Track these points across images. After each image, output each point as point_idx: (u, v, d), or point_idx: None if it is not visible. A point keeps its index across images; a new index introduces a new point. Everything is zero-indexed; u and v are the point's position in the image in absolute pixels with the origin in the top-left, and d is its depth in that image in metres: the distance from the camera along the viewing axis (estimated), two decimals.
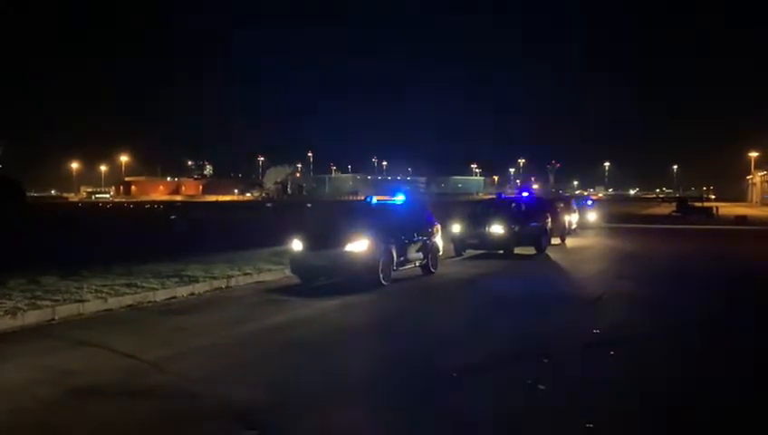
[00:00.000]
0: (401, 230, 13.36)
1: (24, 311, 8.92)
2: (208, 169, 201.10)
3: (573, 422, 4.98)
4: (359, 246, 12.00)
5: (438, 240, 14.76)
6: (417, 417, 5.18)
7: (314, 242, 12.55)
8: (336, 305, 10.41)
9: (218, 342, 7.86)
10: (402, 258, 13.05)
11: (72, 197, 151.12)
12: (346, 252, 12.02)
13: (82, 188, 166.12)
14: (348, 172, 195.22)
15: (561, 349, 7.33)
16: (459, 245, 18.03)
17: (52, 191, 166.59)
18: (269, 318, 9.32)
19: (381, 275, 12.16)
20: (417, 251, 13.75)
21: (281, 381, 6.19)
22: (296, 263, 12.52)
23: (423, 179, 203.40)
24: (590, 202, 36.63)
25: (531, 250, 18.47)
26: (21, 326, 8.56)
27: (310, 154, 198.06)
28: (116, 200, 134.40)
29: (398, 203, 14.91)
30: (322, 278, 12.45)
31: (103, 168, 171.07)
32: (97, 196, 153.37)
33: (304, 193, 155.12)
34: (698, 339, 7.98)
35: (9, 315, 8.63)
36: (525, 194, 21.23)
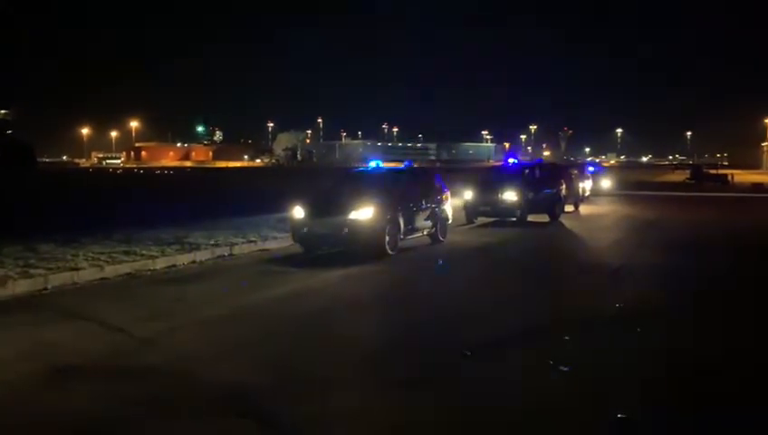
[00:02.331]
0: (409, 197, 12.75)
1: (14, 280, 8.52)
2: (218, 136, 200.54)
3: (602, 410, 4.49)
4: (363, 213, 11.41)
5: (448, 208, 14.13)
6: (427, 399, 4.71)
7: (317, 209, 11.98)
8: (339, 276, 9.86)
9: (216, 314, 7.41)
10: (410, 227, 12.47)
11: (83, 162, 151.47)
12: (350, 220, 11.42)
13: (93, 154, 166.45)
14: (358, 139, 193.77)
15: (582, 324, 6.82)
16: (471, 212, 17.52)
17: (64, 157, 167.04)
18: (270, 289, 8.84)
19: (388, 245, 11.60)
20: (426, 219, 13.16)
21: (279, 358, 5.73)
22: (298, 231, 11.95)
23: (433, 146, 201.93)
24: (603, 169, 35.87)
25: (544, 217, 17.93)
26: (11, 296, 8.16)
27: (320, 120, 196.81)
28: (126, 166, 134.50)
29: (407, 170, 14.17)
30: (325, 247, 11.94)
31: (114, 133, 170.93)
32: (107, 161, 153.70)
33: (314, 160, 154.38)
34: (728, 312, 7.45)
35: None
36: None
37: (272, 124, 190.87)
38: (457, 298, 8.44)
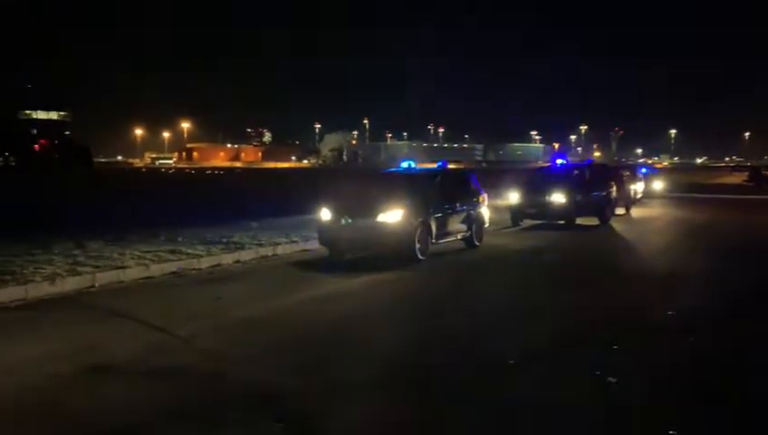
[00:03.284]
0: (442, 199, 12.16)
1: (63, 277, 8.70)
2: (267, 137, 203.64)
3: (653, 426, 4.25)
4: (392, 216, 10.89)
5: (485, 210, 13.53)
6: (468, 410, 4.53)
7: (344, 211, 11.42)
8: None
9: (255, 315, 7.39)
10: (442, 230, 11.90)
11: (137, 162, 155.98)
12: (378, 223, 10.93)
13: (146, 154, 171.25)
14: (403, 140, 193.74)
15: (631, 333, 6.52)
16: (517, 214, 17.14)
17: (119, 157, 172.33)
18: (308, 291, 8.75)
19: (418, 249, 11.04)
20: (461, 222, 12.60)
21: (314, 363, 5.63)
22: (325, 234, 11.51)
23: (480, 146, 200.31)
24: (656, 170, 34.84)
25: (593, 220, 17.42)
26: (60, 293, 8.34)
27: (366, 121, 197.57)
28: (178, 166, 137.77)
29: (440, 171, 13.63)
30: (353, 251, 11.56)
31: (166, 134, 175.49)
32: (160, 161, 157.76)
33: (360, 160, 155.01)
34: None
35: (48, 282, 8.41)
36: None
37: (319, 125, 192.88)
38: (493, 307, 8.00)
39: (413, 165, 14.14)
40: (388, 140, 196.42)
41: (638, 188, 25.16)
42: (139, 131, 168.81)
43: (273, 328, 6.90)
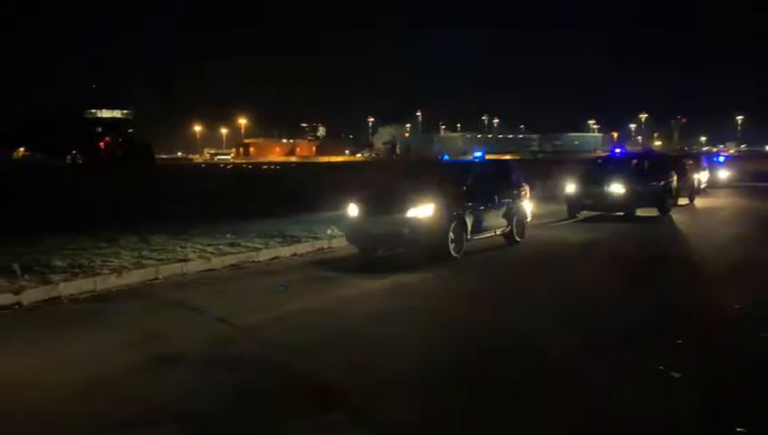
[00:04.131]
0: (479, 193, 11.43)
1: (129, 270, 9.06)
2: (321, 131, 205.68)
3: (719, 423, 4.13)
4: (423, 211, 10.27)
5: (526, 204, 12.87)
6: (529, 407, 4.49)
7: (373, 207, 10.92)
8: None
9: (312, 307, 7.52)
10: (479, 225, 11.23)
11: (197, 158, 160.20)
12: (408, 218, 10.30)
13: (206, 150, 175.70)
14: (457, 132, 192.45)
15: (696, 328, 6.34)
16: (574, 206, 16.81)
17: (179, 153, 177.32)
18: (365, 284, 8.84)
19: (452, 246, 10.45)
20: (500, 217, 11.95)
21: (370, 357, 5.69)
22: (352, 231, 11.05)
23: (536, 137, 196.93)
24: (721, 159, 33.56)
25: (653, 212, 16.93)
26: (126, 285, 8.68)
27: (419, 114, 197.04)
28: (236, 161, 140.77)
29: (476, 162, 12.84)
30: (382, 249, 11.14)
31: (224, 130, 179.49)
32: (218, 157, 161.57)
33: (412, 153, 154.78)
34: None
35: (115, 274, 8.78)
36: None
37: (372, 119, 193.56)
38: (543, 304, 7.69)
39: (447, 157, 13.46)
40: (441, 131, 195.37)
41: (701, 177, 24.35)
42: (198, 128, 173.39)
43: (329, 320, 7.00)
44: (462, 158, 13.21)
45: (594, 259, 11.22)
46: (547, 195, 20.26)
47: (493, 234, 11.89)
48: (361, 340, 6.20)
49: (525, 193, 12.97)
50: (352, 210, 11.06)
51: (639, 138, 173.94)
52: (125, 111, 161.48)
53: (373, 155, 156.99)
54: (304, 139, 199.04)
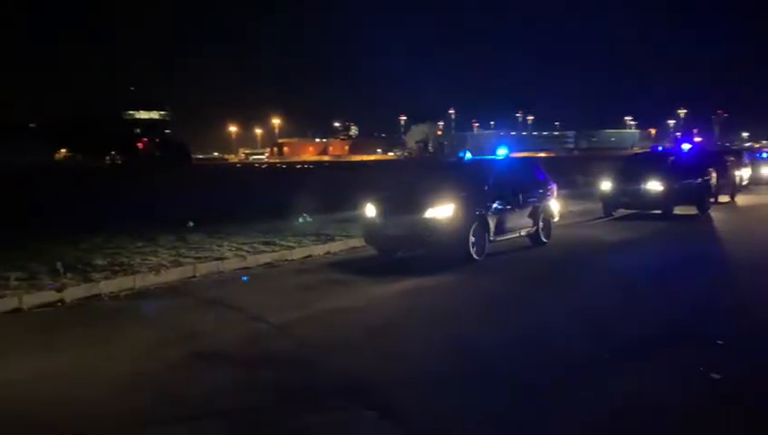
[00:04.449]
0: (502, 192, 11.03)
1: (167, 268, 9.25)
2: (353, 130, 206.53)
3: (759, 425, 4.05)
4: (442, 211, 9.95)
5: (553, 203, 12.41)
6: (573, 407, 4.44)
7: (390, 207, 10.62)
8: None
9: (345, 305, 7.58)
10: (502, 226, 10.85)
11: (232, 158, 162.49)
12: (426, 219, 9.99)
13: (241, 150, 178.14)
14: (490, 129, 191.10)
15: (736, 330, 6.20)
16: (609, 204, 16.56)
17: (215, 153, 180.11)
18: (397, 283, 8.82)
19: (473, 248, 10.08)
20: (527, 217, 11.57)
21: (403, 354, 5.72)
22: (369, 232, 10.78)
23: (571, 134, 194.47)
24: (765, 155, 32.64)
25: (692, 210, 16.58)
26: (164, 283, 8.86)
27: (451, 111, 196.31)
28: (270, 161, 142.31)
29: (499, 160, 12.36)
30: (400, 250, 10.88)
31: (258, 130, 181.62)
32: (253, 157, 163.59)
33: (445, 151, 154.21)
34: None
35: (153, 272, 8.98)
36: (686, 146, 18.90)
37: (404, 117, 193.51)
38: (575, 305, 7.53)
39: (469, 155, 12.96)
40: (475, 129, 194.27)
41: (743, 174, 23.75)
42: (233, 128, 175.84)
43: (362, 317, 7.06)
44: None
45: (627, 260, 10.87)
46: (583, 192, 20.03)
47: (517, 235, 11.48)
48: (387, 339, 6.23)
49: (552, 192, 12.57)
50: (369, 210, 10.76)
51: (678, 134, 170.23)
52: (162, 112, 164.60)
53: (405, 154, 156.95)
54: (337, 138, 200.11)
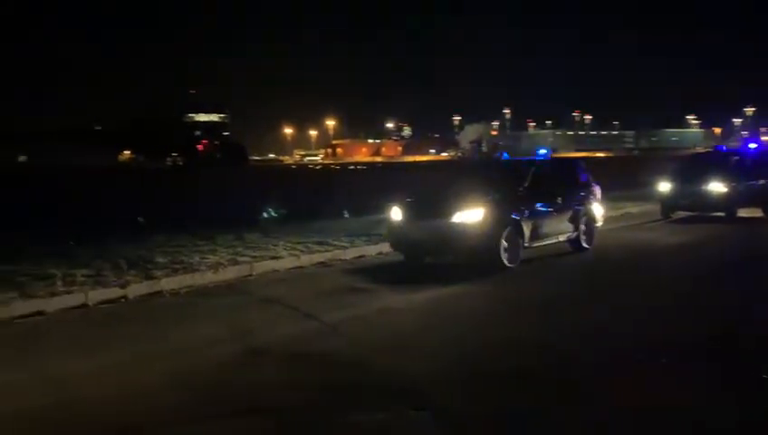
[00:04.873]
0: (538, 195, 10.54)
1: (225, 266, 9.54)
2: (407, 131, 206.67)
3: None
4: (471, 215, 9.42)
5: (596, 207, 11.81)
6: (628, 413, 4.38)
7: (417, 210, 10.26)
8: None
9: (396, 306, 7.68)
10: (538, 231, 10.28)
11: (288, 159, 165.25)
12: (454, 223, 9.50)
13: (296, 152, 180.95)
14: (547, 128, 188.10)
15: None
16: (667, 206, 16.06)
17: (271, 155, 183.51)
18: (448, 285, 8.80)
19: (505, 255, 9.53)
20: (567, 221, 10.98)
21: (448, 354, 5.77)
22: (395, 236, 10.45)
23: (631, 133, 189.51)
24: None
25: (757, 212, 15.90)
26: (222, 280, 9.12)
27: (506, 111, 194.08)
28: (324, 162, 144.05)
29: (537, 161, 11.98)
30: (427, 256, 10.42)
31: (313, 132, 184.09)
32: (308, 158, 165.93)
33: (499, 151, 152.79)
34: None
35: (212, 270, 9.26)
36: (753, 146, 18.15)
37: (458, 117, 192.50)
38: (620, 313, 7.21)
39: (506, 156, 12.68)
40: (530, 129, 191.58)
41: None
42: (288, 130, 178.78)
43: (413, 318, 7.16)
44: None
45: (682, 267, 10.25)
46: (644, 193, 19.52)
47: (556, 240, 10.90)
48: (431, 341, 6.27)
49: (595, 194, 11.95)
50: (395, 213, 10.36)
51: (745, 133, 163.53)
52: (221, 115, 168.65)
53: (459, 154, 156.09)
54: (390, 139, 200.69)
